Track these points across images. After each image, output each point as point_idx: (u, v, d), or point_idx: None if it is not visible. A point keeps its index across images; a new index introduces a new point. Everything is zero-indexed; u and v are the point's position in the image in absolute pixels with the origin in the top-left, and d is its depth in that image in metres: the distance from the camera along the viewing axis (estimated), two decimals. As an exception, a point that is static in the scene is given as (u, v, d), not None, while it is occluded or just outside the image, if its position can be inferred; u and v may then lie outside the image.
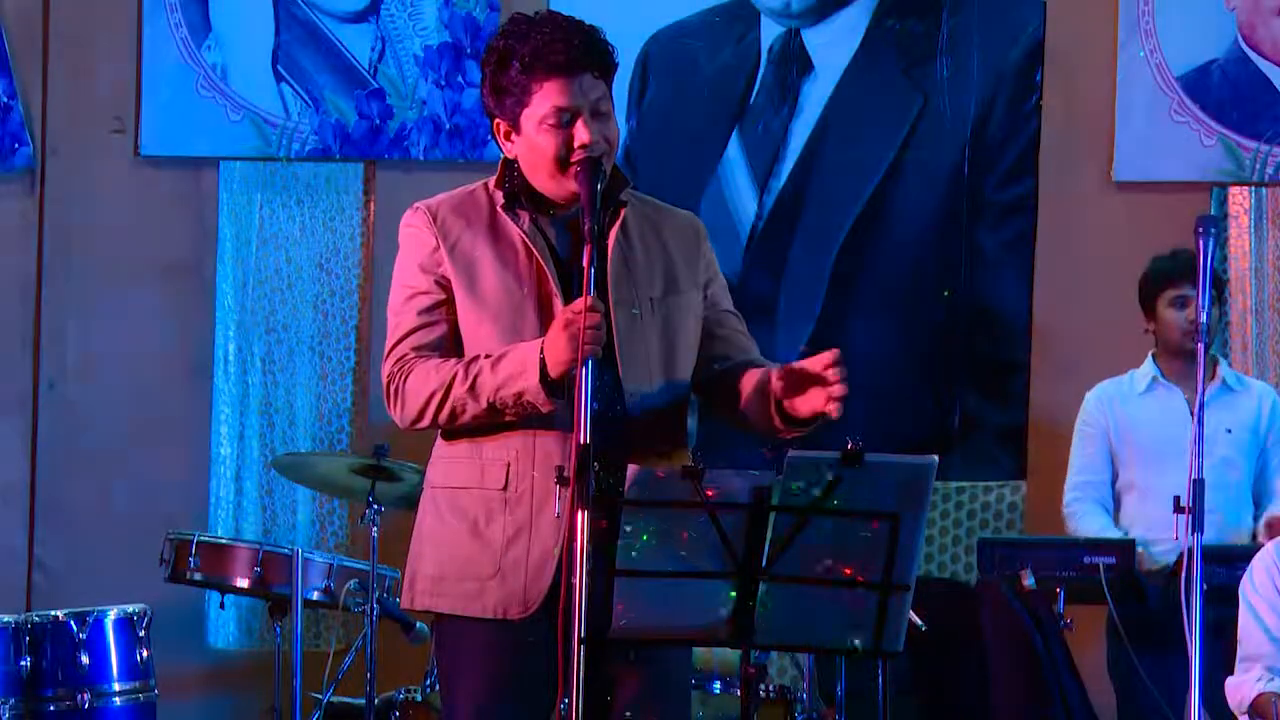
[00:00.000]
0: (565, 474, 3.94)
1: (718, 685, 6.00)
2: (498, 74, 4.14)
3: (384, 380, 4.20)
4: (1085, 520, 6.49)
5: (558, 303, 4.11)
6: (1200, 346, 4.97)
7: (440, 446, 4.24)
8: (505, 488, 4.12)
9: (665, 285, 4.22)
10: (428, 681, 6.08)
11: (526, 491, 4.11)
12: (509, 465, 4.12)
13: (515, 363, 4.05)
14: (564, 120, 4.11)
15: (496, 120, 4.20)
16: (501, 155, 4.22)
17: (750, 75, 7.52)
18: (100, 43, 7.61)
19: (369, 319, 7.52)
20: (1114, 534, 6.39)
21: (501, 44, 4.15)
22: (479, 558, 4.12)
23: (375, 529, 6.24)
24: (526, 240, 4.17)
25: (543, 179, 4.16)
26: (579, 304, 3.97)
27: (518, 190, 4.20)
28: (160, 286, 7.60)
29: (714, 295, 4.33)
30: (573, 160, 4.10)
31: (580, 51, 4.10)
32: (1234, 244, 7.34)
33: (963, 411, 7.43)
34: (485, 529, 4.13)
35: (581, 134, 4.10)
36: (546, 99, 4.11)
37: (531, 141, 4.14)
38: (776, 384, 4.12)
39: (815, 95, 7.49)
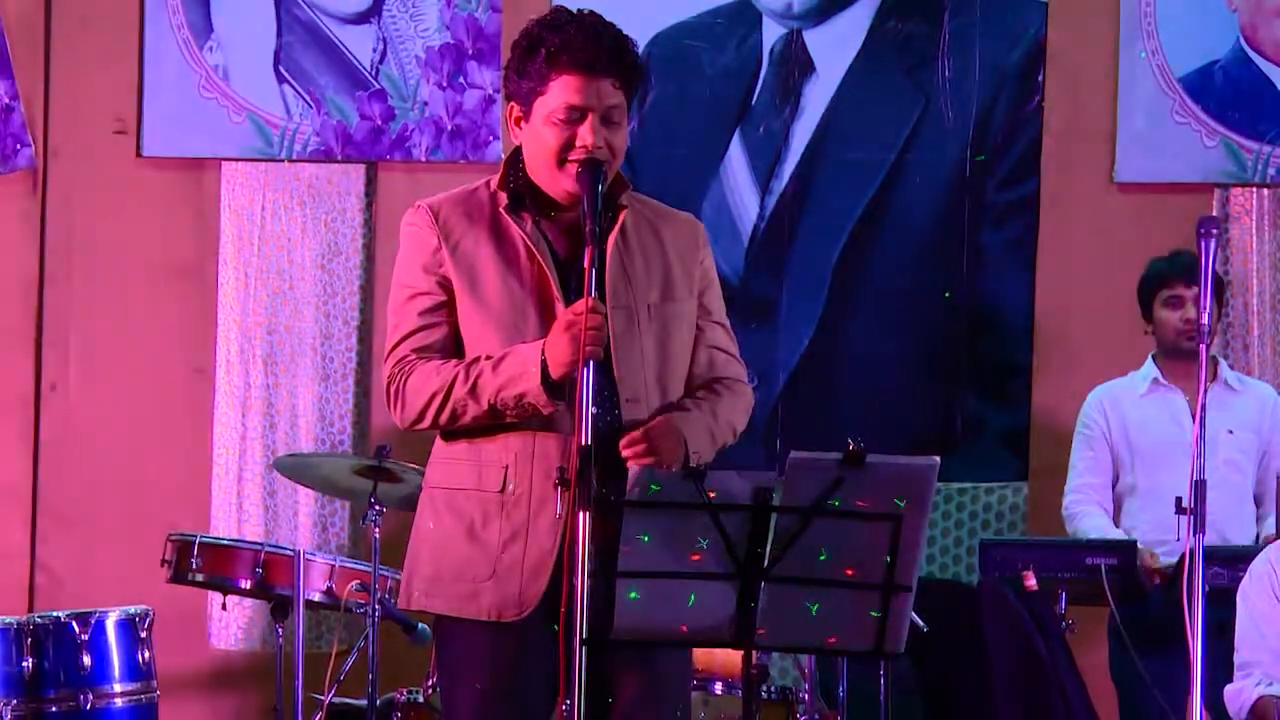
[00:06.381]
0: (566, 475, 3.95)
1: (719, 687, 6.00)
2: (524, 58, 4.16)
3: (384, 381, 4.21)
4: (1086, 521, 6.49)
5: (559, 305, 4.12)
6: (1202, 347, 4.97)
7: (439, 447, 4.24)
8: (503, 490, 4.12)
9: (663, 291, 4.23)
10: (429, 683, 6.09)
11: (525, 494, 4.11)
12: (507, 468, 4.12)
13: (516, 364, 4.06)
14: (573, 118, 4.12)
15: (511, 104, 4.21)
16: (503, 155, 4.23)
17: (752, 77, 7.52)
18: (102, 44, 7.61)
19: (371, 320, 7.52)
20: (1115, 535, 6.39)
21: (535, 30, 4.17)
22: (475, 559, 4.13)
23: (377, 530, 6.24)
24: (528, 242, 4.17)
25: (541, 172, 4.18)
26: (580, 305, 3.98)
27: (521, 191, 4.21)
28: (162, 287, 7.60)
29: (707, 303, 4.33)
30: (571, 159, 4.12)
31: (606, 56, 4.12)
32: (1236, 245, 7.34)
33: (964, 413, 7.43)
34: (482, 531, 4.13)
35: (585, 135, 4.11)
36: (561, 93, 4.12)
37: (537, 132, 4.16)
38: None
39: (817, 96, 7.49)
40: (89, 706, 5.80)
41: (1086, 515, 6.50)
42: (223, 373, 7.58)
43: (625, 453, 4.04)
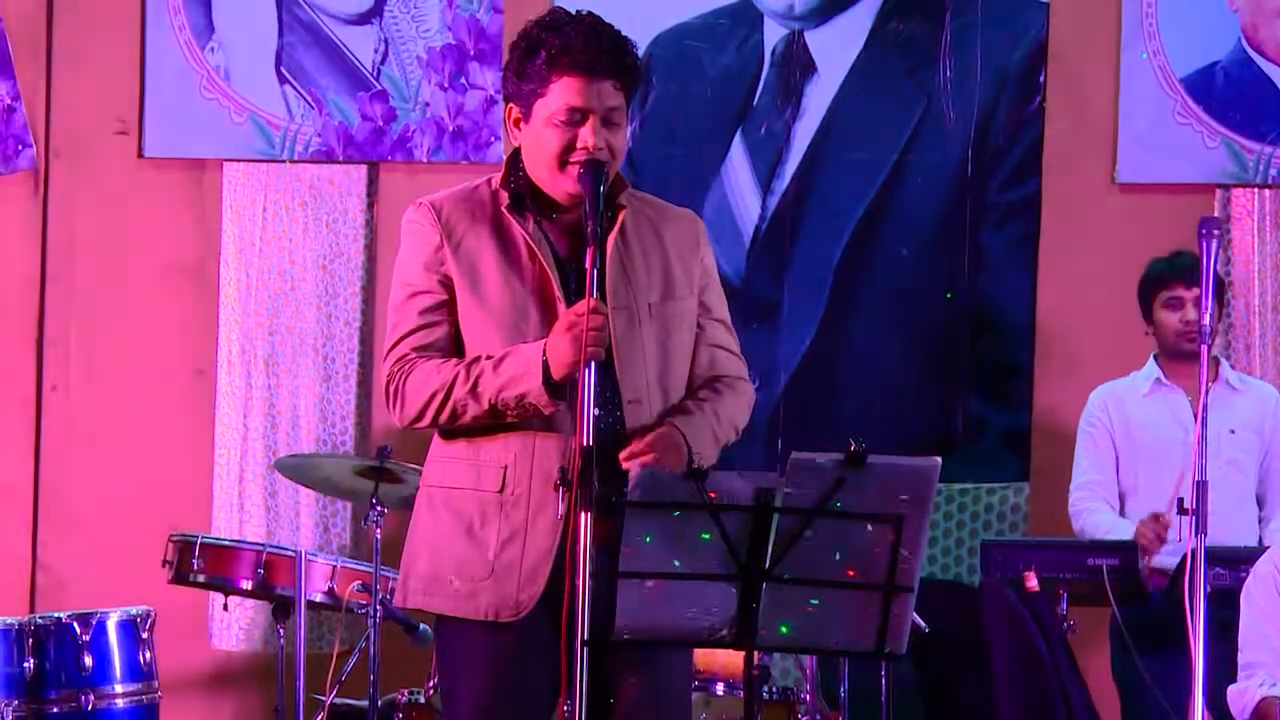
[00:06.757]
0: (568, 476, 3.95)
1: (721, 687, 6.00)
2: (524, 60, 4.15)
3: (383, 379, 4.20)
4: (1092, 518, 6.48)
5: (561, 305, 4.12)
6: (1204, 348, 4.96)
7: (438, 445, 4.24)
8: (501, 490, 4.12)
9: (663, 290, 4.23)
10: (431, 684, 6.08)
11: (523, 495, 4.11)
12: (506, 468, 4.12)
13: (518, 364, 4.05)
14: (574, 119, 4.12)
15: (510, 105, 4.20)
16: (504, 155, 4.22)
17: (754, 77, 7.52)
18: (103, 45, 7.61)
19: (372, 321, 7.52)
20: (1123, 529, 6.37)
21: (535, 32, 4.17)
22: (473, 559, 4.13)
23: (378, 531, 6.25)
24: (530, 242, 4.17)
25: (541, 173, 4.18)
26: (581, 306, 3.98)
27: (522, 191, 4.21)
28: (163, 288, 7.60)
29: (708, 300, 4.33)
30: (572, 160, 4.12)
31: (607, 57, 4.12)
32: (1237, 246, 7.34)
33: (966, 413, 7.43)
34: (480, 531, 4.13)
35: (587, 136, 4.11)
36: (562, 95, 4.12)
37: (538, 133, 4.16)
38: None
39: (818, 97, 7.49)
40: (90, 707, 5.80)
41: (1093, 511, 6.49)
42: (224, 373, 7.58)
43: (626, 466, 4.04)
